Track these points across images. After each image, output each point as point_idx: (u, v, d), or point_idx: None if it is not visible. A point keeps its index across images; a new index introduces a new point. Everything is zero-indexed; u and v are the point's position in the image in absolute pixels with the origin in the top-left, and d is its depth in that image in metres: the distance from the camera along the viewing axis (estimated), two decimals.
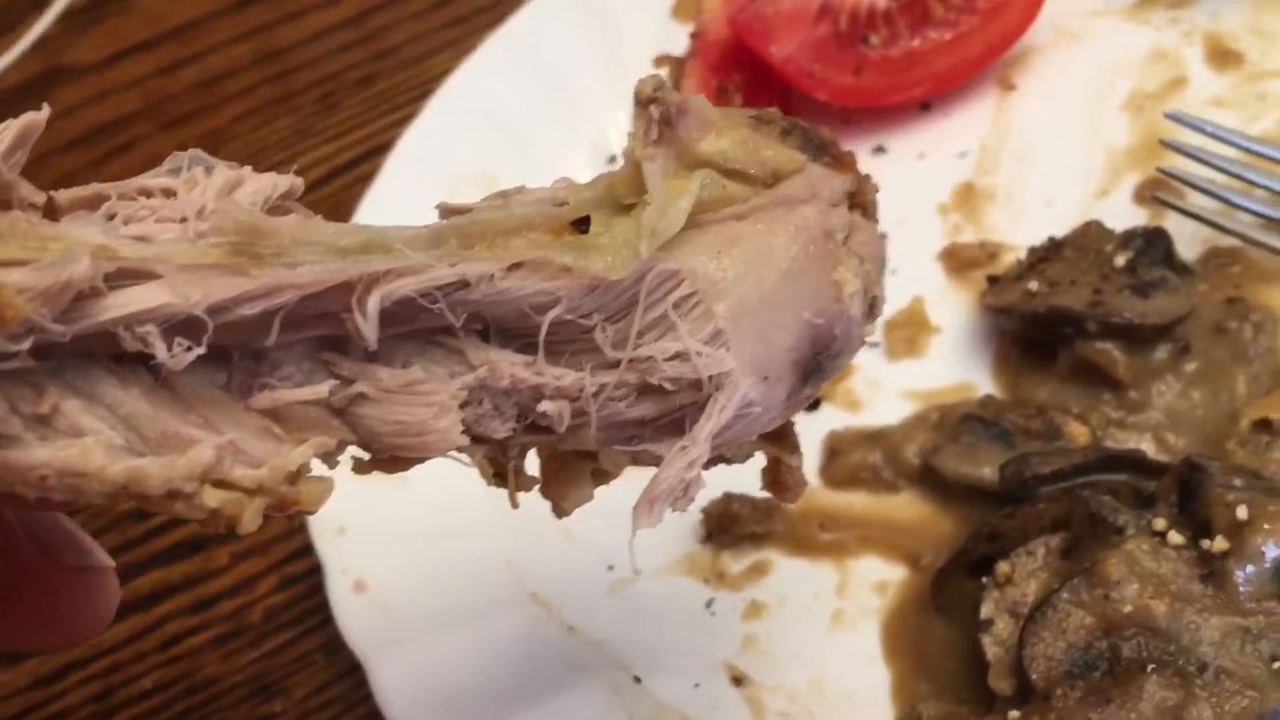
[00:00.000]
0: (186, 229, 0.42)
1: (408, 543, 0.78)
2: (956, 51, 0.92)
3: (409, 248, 0.43)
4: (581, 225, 0.46)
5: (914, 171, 0.92)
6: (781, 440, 0.54)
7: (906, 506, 0.76)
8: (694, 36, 0.95)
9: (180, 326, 0.39)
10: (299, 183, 0.46)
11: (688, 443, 0.46)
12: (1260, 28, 0.92)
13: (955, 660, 0.68)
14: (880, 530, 0.75)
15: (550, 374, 0.45)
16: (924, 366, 0.82)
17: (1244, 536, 0.61)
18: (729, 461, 0.53)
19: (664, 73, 0.96)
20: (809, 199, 0.49)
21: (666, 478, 0.45)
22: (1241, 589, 0.61)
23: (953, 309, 0.84)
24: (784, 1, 0.92)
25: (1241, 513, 0.61)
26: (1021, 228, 0.85)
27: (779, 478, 0.55)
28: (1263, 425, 0.71)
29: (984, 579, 0.67)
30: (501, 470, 0.50)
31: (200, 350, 0.40)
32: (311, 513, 0.43)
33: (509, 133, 1.00)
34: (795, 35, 0.92)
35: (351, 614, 0.75)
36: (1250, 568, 0.61)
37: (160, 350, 0.39)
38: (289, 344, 0.43)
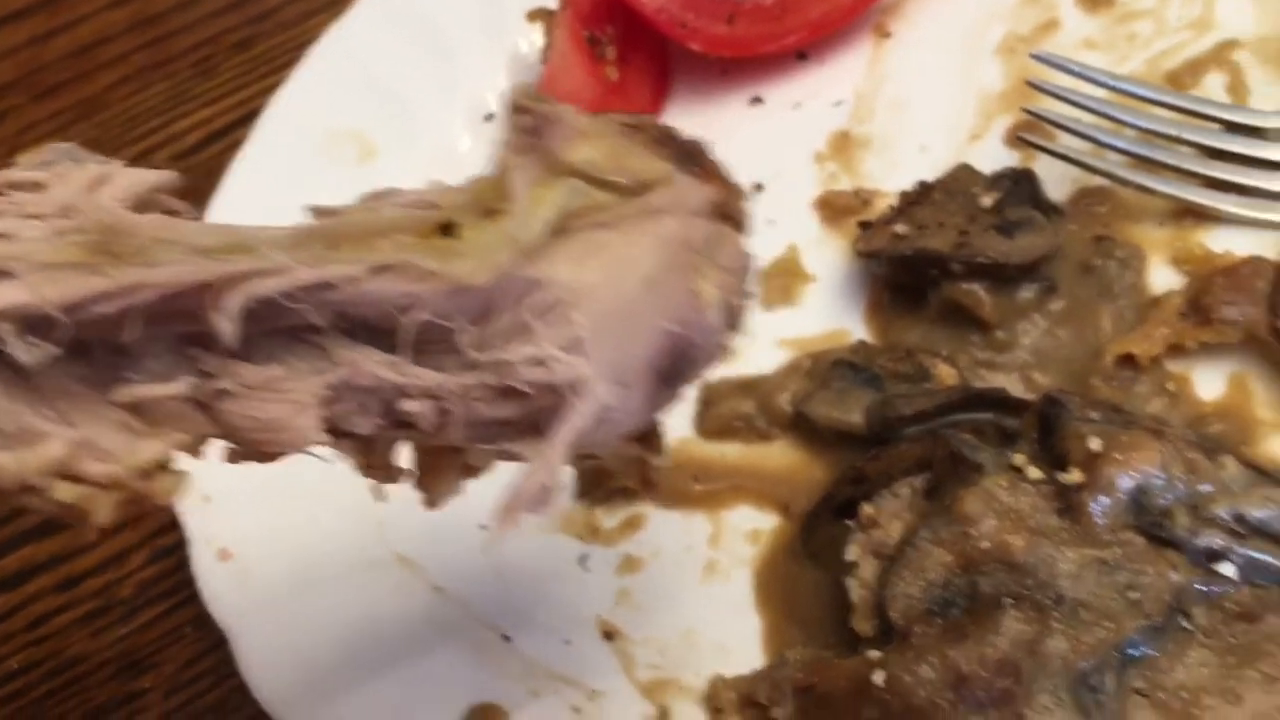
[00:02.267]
0: (48, 226, 0.43)
1: (274, 509, 0.76)
2: None
3: (272, 249, 0.44)
4: (449, 229, 0.47)
5: (790, 121, 0.91)
6: (646, 440, 0.55)
7: (779, 454, 0.75)
8: None
9: (37, 323, 0.41)
10: (172, 177, 0.47)
11: (546, 450, 0.46)
12: None
13: (824, 605, 0.68)
14: (753, 479, 0.75)
15: (413, 374, 0.46)
16: (799, 314, 0.81)
17: (1097, 468, 0.61)
18: (594, 458, 0.54)
19: (537, 27, 0.94)
20: (673, 210, 0.49)
21: (526, 486, 0.46)
22: (1097, 521, 0.61)
23: (828, 257, 0.83)
24: None
25: (1095, 444, 0.61)
26: (896, 174, 0.85)
27: (644, 475, 0.57)
28: (1126, 360, 0.72)
29: (849, 522, 0.67)
30: (373, 463, 0.50)
31: (54, 350, 0.41)
32: (166, 505, 0.45)
33: (384, 92, 0.98)
34: None
35: (216, 583, 0.73)
36: (1104, 499, 0.61)
37: (15, 347, 0.41)
38: (152, 340, 0.44)
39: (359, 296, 0.44)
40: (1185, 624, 0.60)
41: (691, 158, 0.52)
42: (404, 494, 0.75)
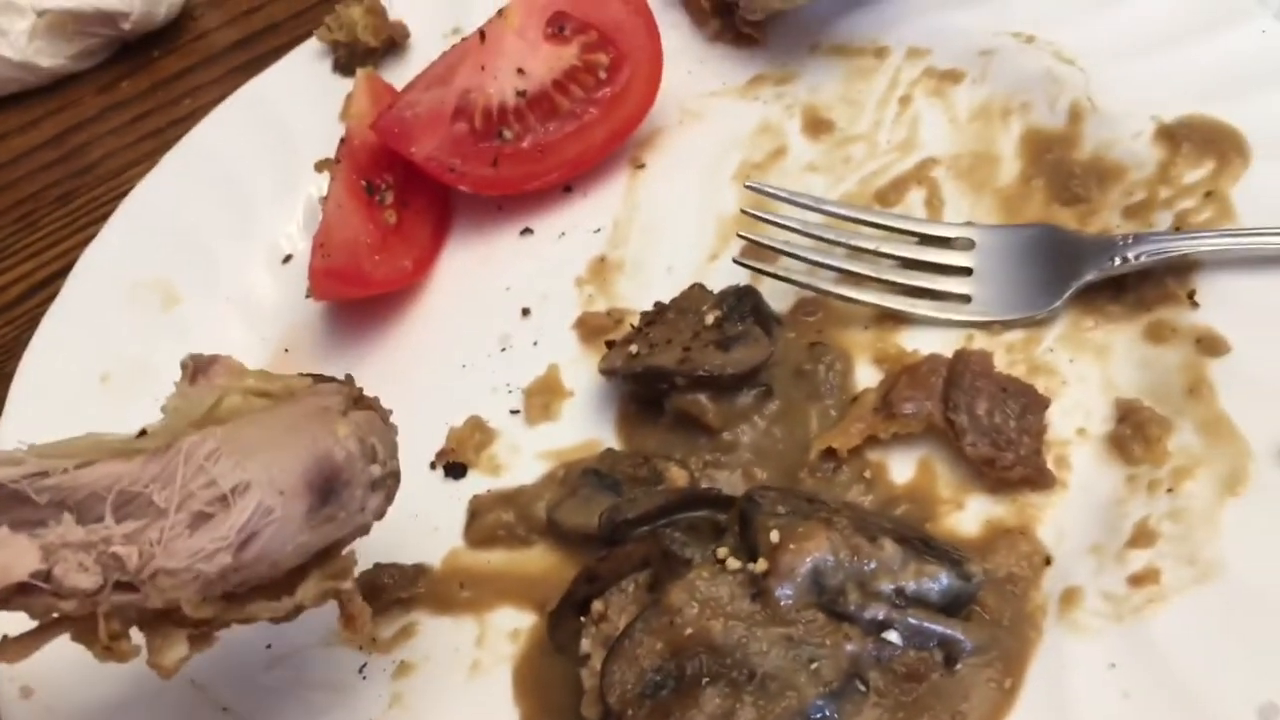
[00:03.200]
0: None
1: (71, 647, 0.81)
2: (583, 139, 1.01)
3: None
4: (141, 434, 0.64)
5: (556, 249, 1.01)
6: (331, 561, 0.66)
7: (538, 558, 0.84)
8: (343, 141, 1.02)
9: None
10: None
11: (214, 529, 0.61)
12: (850, 97, 1.04)
13: (570, 694, 0.75)
14: (515, 582, 0.83)
15: (116, 530, 0.60)
16: (558, 428, 0.90)
17: (777, 556, 0.70)
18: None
19: (324, 176, 1.02)
20: (313, 397, 0.66)
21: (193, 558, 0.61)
22: (783, 602, 0.70)
23: (584, 373, 0.92)
24: (421, 105, 1.00)
25: (774, 536, 0.71)
26: (645, 294, 0.94)
27: (345, 610, 0.69)
28: (828, 454, 0.81)
29: (584, 618, 0.75)
30: (107, 640, 0.63)
31: None
32: None
33: (189, 240, 1.06)
34: (434, 135, 1.00)
35: (18, 719, 0.79)
36: (787, 582, 0.70)
37: None
38: None
39: (70, 481, 0.59)
40: (860, 687, 0.69)
41: (334, 381, 0.69)
42: None
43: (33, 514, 0.59)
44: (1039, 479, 0.77)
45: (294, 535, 0.62)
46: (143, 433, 0.63)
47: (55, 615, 0.62)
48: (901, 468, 0.81)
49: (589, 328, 0.94)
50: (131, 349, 0.99)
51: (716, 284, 0.91)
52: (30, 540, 0.58)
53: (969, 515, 0.78)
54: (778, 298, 0.91)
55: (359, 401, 0.67)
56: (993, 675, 0.69)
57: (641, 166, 1.05)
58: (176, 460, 0.60)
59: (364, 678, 0.80)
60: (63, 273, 1.13)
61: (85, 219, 1.20)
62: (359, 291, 0.96)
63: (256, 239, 1.06)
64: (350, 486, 0.64)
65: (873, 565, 0.70)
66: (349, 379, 0.69)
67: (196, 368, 0.66)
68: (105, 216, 1.16)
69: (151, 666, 0.63)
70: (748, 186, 0.92)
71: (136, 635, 0.64)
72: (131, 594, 0.60)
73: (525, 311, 0.97)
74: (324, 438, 0.63)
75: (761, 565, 0.70)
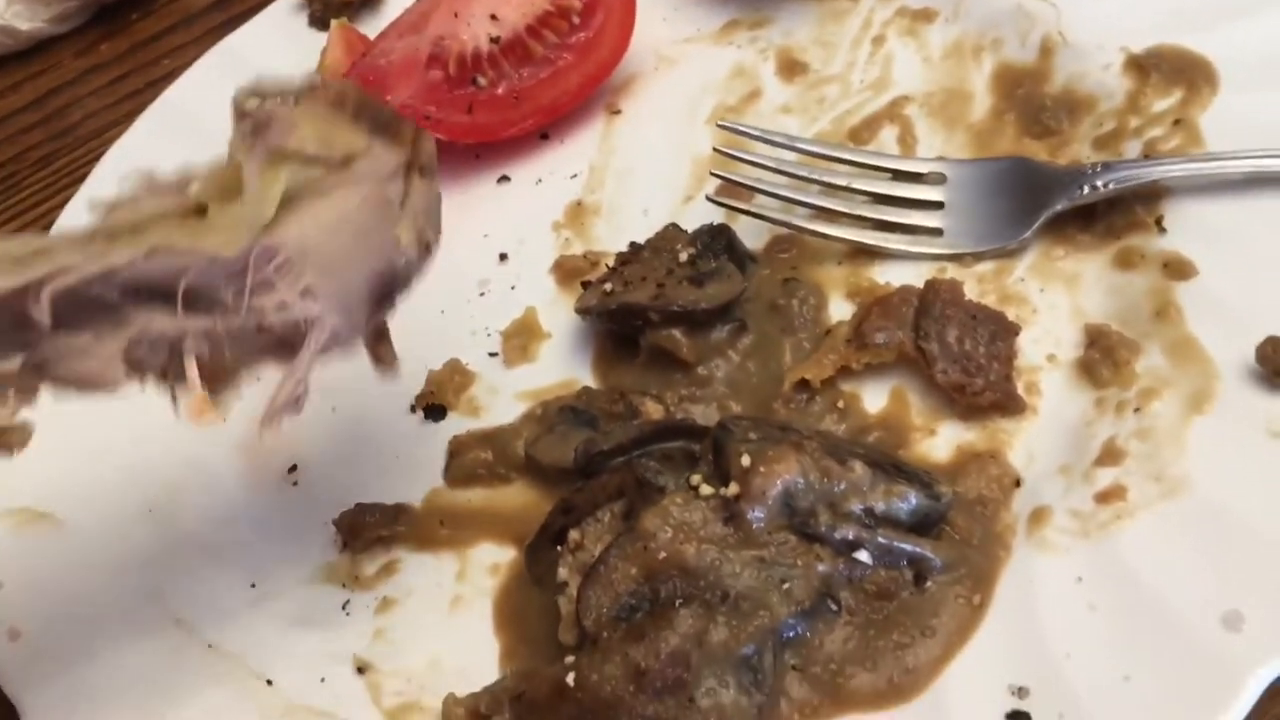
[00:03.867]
0: None
1: (60, 588, 0.83)
2: (558, 85, 1.02)
3: (67, 251, 0.60)
4: (201, 211, 0.65)
5: (533, 196, 1.02)
6: (379, 337, 0.74)
7: (516, 495, 0.84)
8: None
9: None
10: None
11: (295, 366, 0.66)
12: (824, 39, 1.04)
13: (548, 624, 0.76)
14: (493, 519, 0.84)
15: (189, 323, 0.63)
16: (536, 369, 0.91)
17: (748, 480, 0.71)
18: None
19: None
20: (372, 175, 0.67)
21: (280, 397, 0.66)
22: (755, 525, 0.71)
23: (561, 316, 0.93)
24: (395, 53, 1.01)
25: (745, 460, 0.71)
26: (622, 237, 0.95)
27: (378, 355, 0.74)
28: (801, 385, 0.82)
29: (561, 548, 0.76)
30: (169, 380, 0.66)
31: None
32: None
33: None
34: (409, 83, 1.00)
35: (6, 661, 0.80)
36: (758, 506, 0.71)
37: None
38: None
39: (140, 273, 0.61)
40: (832, 606, 0.70)
41: (384, 125, 0.70)
42: (183, 561, 0.84)
43: (111, 311, 0.61)
44: (1009, 404, 0.78)
45: (354, 339, 0.69)
46: (200, 210, 0.65)
47: None
48: (874, 397, 0.82)
49: (566, 270, 0.95)
50: None
51: (692, 225, 0.91)
52: (115, 344, 0.61)
53: (941, 441, 0.79)
54: (752, 236, 0.91)
55: (415, 163, 0.69)
56: (962, 592, 0.70)
57: (617, 112, 1.05)
58: (244, 263, 0.62)
59: (347, 614, 0.81)
60: (44, 232, 1.14)
61: (66, 180, 1.20)
62: None
63: None
64: (403, 286, 0.69)
65: (843, 486, 0.71)
66: (397, 127, 0.70)
67: (256, 122, 0.67)
68: (86, 178, 1.17)
69: (207, 392, 0.67)
70: (721, 126, 0.93)
71: None
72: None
73: (503, 257, 0.98)
74: (388, 248, 0.67)
75: (733, 489, 0.71)
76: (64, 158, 1.22)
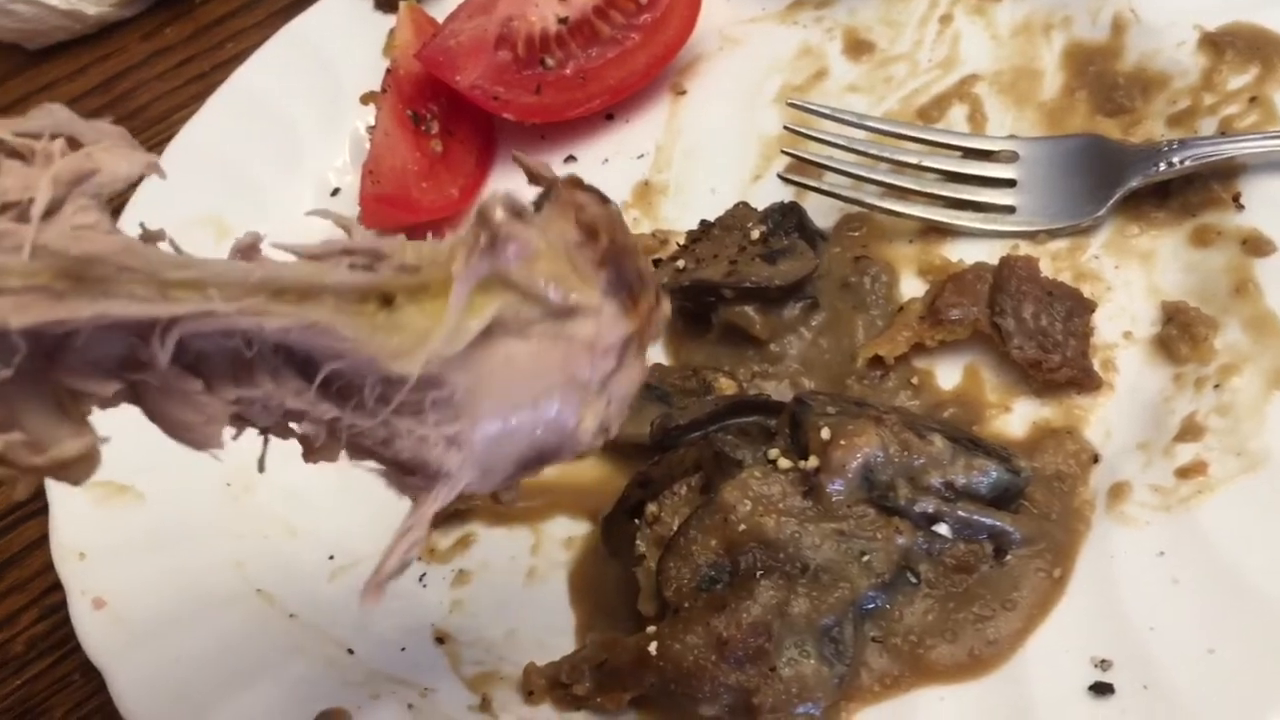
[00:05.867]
0: (22, 247, 0.46)
1: (143, 558, 0.84)
2: (625, 65, 1.02)
3: (221, 291, 0.49)
4: (388, 301, 0.52)
5: (600, 175, 1.00)
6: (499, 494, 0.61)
7: (590, 470, 0.85)
8: (388, 72, 1.03)
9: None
10: (151, 160, 0.51)
11: (412, 523, 0.55)
12: (890, 18, 1.04)
13: (624, 595, 0.77)
14: (567, 493, 0.84)
15: (317, 408, 0.52)
16: None
17: (828, 453, 0.71)
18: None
19: (372, 109, 1.04)
20: (587, 340, 0.56)
21: (393, 559, 0.54)
22: (835, 498, 0.71)
23: None
24: (464, 34, 1.01)
25: (825, 434, 0.72)
26: (690, 215, 0.95)
27: (497, 498, 0.62)
28: (875, 361, 0.82)
29: (639, 521, 0.77)
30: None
31: (8, 372, 0.46)
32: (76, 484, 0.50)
33: (238, 177, 1.07)
34: (478, 63, 1.01)
35: (91, 629, 0.81)
36: (838, 478, 0.71)
37: None
38: (98, 340, 0.48)
39: (289, 340, 0.50)
40: (912, 578, 0.71)
41: (626, 284, 0.57)
42: (262, 533, 0.85)
43: (244, 363, 0.51)
44: (1085, 380, 0.78)
45: (475, 494, 0.57)
46: (388, 299, 0.52)
47: None
48: (948, 374, 0.82)
49: None
50: None
51: (760, 203, 0.92)
52: (224, 402, 0.51)
53: (1016, 418, 0.79)
54: (822, 214, 0.92)
55: (638, 337, 0.57)
56: (1042, 565, 0.70)
57: (683, 93, 1.05)
58: (404, 381, 0.52)
59: (424, 585, 0.83)
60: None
61: None
62: (408, 217, 0.97)
63: (304, 173, 1.08)
64: (555, 461, 0.58)
65: (922, 460, 0.71)
66: (638, 291, 0.57)
67: (492, 241, 0.53)
68: None
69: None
70: (790, 104, 0.93)
71: None
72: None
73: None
74: (563, 425, 0.56)
75: (813, 462, 0.72)
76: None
